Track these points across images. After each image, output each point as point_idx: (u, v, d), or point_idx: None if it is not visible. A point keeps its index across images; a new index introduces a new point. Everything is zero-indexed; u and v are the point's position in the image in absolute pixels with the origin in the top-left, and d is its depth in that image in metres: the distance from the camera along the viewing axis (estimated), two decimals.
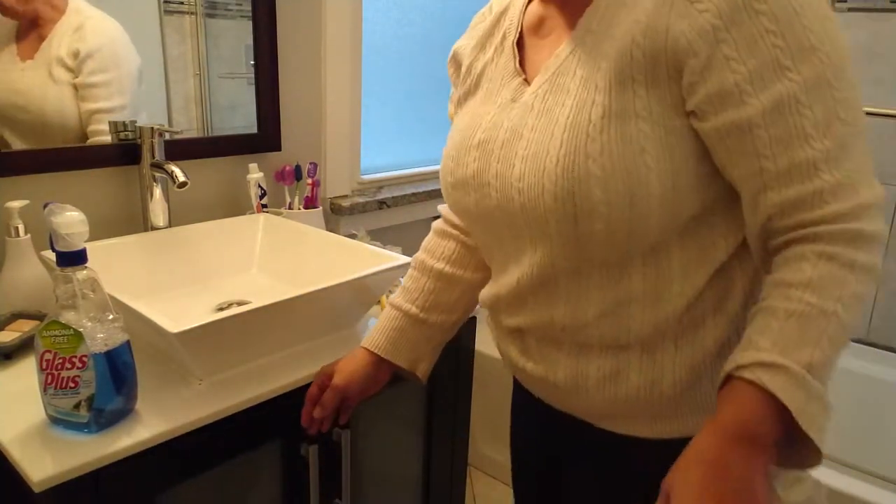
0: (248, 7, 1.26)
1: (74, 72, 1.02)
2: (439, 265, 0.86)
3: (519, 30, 0.72)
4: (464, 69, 0.77)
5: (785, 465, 0.55)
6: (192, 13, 1.21)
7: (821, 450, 0.52)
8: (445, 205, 0.88)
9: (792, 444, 0.53)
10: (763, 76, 0.54)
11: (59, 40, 1.00)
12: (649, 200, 0.58)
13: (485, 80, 0.73)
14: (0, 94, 0.98)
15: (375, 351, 0.84)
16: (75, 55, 1.02)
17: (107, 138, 1.10)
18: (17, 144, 1.02)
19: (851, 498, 1.35)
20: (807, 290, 0.53)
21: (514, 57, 0.70)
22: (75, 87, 1.03)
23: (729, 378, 0.54)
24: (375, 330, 0.86)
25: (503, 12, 0.75)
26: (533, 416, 0.83)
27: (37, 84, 1.00)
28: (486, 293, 0.77)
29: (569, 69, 0.63)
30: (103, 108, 1.05)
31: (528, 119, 0.64)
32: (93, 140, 1.08)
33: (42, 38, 0.99)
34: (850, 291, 0.53)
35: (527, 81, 0.68)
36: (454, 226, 0.87)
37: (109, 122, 1.11)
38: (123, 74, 1.09)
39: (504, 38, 0.73)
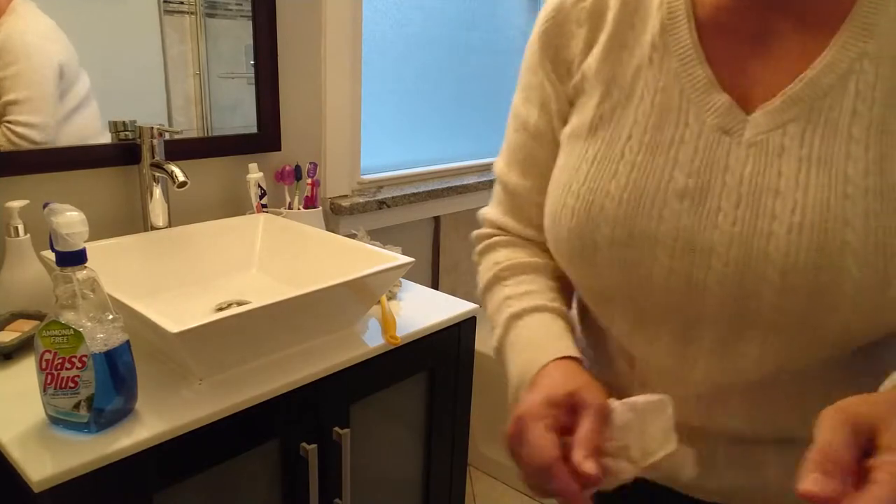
0: (247, 7, 1.26)
1: None
2: (542, 260, 0.66)
3: (691, 23, 0.54)
4: (594, 74, 0.58)
5: None
6: (192, 13, 1.21)
7: None
8: (494, 211, 0.71)
9: None
10: None
11: None
12: None
13: (644, 91, 0.55)
14: None
15: (575, 355, 0.58)
16: None
17: (23, 130, 1.06)
18: None
19: None
20: None
21: (702, 63, 0.53)
22: None
23: None
24: (551, 338, 0.59)
25: None
26: None
27: None
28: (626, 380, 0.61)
29: (846, 98, 0.48)
30: (10, 99, 1.05)
31: (782, 168, 0.49)
32: (8, 134, 1.05)
33: None
34: None
35: (739, 105, 0.52)
36: (521, 236, 0.69)
37: (109, 122, 1.11)
38: (32, 66, 1.06)
39: (665, 31, 0.54)
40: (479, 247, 0.72)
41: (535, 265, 0.65)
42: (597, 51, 0.58)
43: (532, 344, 0.59)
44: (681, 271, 0.52)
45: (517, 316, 0.62)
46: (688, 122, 0.53)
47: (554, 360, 0.56)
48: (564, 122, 0.62)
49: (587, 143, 0.57)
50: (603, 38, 0.58)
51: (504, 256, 0.67)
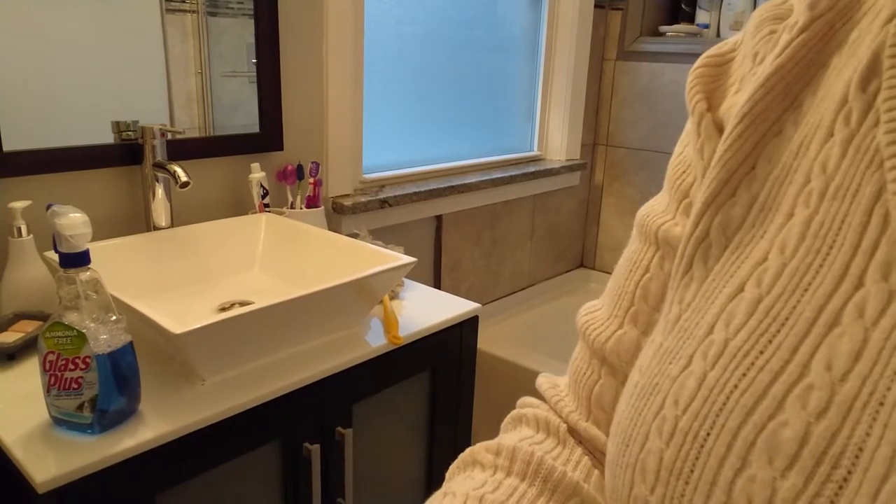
0: (249, 5, 1.26)
1: None
2: (569, 472, 0.40)
3: None
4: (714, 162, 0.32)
5: None
6: (193, 11, 1.20)
7: None
8: (548, 381, 0.46)
9: None
10: None
11: None
12: None
13: (799, 199, 0.28)
14: None
15: None
16: None
17: None
18: None
19: None
20: None
21: None
22: None
23: None
24: None
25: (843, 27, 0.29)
26: None
27: None
28: None
29: None
30: None
31: None
32: None
33: None
34: None
35: None
36: (577, 431, 0.43)
37: (112, 123, 1.11)
38: None
39: (877, 70, 0.26)
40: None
41: (545, 473, 0.39)
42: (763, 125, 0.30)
43: None
44: None
45: None
46: (866, 274, 0.25)
47: None
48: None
49: (670, 304, 0.32)
50: (744, 86, 0.33)
51: (520, 440, 0.42)
